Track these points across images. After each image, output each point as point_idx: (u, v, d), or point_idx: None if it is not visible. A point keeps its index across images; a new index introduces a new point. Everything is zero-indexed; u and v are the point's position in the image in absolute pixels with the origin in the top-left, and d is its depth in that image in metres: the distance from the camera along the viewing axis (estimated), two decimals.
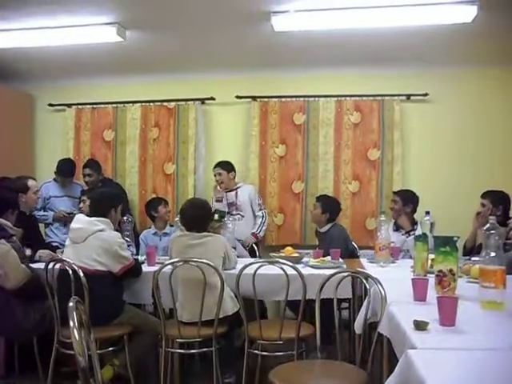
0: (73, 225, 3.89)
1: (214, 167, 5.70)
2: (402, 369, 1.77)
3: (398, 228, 4.98)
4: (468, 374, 1.63)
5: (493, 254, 2.41)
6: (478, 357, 1.75)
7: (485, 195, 4.39)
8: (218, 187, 5.66)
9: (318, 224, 5.30)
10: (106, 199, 4.11)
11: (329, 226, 5.17)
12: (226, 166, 5.65)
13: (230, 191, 5.63)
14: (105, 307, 3.60)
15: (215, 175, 5.66)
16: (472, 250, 4.25)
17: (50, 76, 6.36)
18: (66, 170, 5.72)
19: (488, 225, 2.54)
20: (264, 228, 5.65)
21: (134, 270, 3.93)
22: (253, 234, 5.53)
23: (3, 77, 6.09)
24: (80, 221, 3.89)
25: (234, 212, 5.47)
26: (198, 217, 3.87)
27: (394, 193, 5.22)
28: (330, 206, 5.21)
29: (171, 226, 5.37)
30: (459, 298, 2.18)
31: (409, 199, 4.98)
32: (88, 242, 3.75)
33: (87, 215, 3.99)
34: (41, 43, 5.03)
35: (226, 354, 3.81)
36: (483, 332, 2.07)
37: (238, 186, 5.69)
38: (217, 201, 5.58)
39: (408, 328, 2.05)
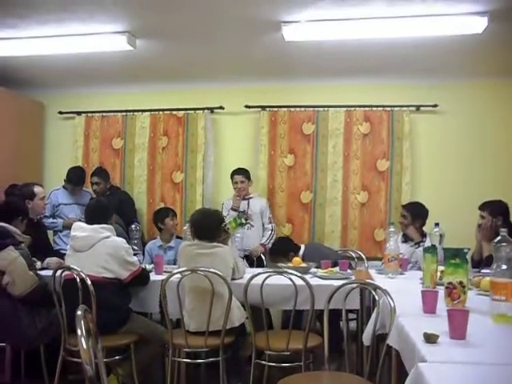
0: (76, 233, 3.83)
1: (236, 174, 5.67)
2: (413, 382, 1.75)
3: (406, 240, 4.95)
4: None
5: (504, 267, 2.39)
6: (489, 371, 1.73)
7: (483, 207, 4.35)
8: (237, 196, 5.63)
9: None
10: (104, 207, 4.13)
11: (301, 253, 5.13)
12: (247, 174, 5.68)
13: (242, 200, 5.63)
14: (111, 315, 3.60)
15: (236, 182, 5.64)
16: (480, 262, 4.22)
17: (60, 84, 6.39)
18: (76, 178, 5.71)
19: (499, 237, 2.52)
20: (272, 241, 5.64)
21: (141, 277, 3.92)
22: (262, 244, 5.54)
23: (14, 84, 6.12)
24: (84, 229, 3.85)
25: None
26: (210, 226, 3.86)
27: (403, 206, 5.16)
28: (283, 248, 5.21)
29: (178, 237, 5.31)
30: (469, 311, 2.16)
31: (418, 214, 4.93)
32: (94, 250, 3.74)
33: (87, 223, 3.95)
34: (51, 51, 5.04)
35: (232, 363, 3.79)
36: (494, 346, 2.05)
37: (250, 196, 5.71)
38: (233, 209, 5.56)
39: (418, 340, 2.02)
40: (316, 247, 5.36)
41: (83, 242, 3.78)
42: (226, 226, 4.15)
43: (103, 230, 3.82)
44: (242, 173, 5.67)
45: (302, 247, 5.22)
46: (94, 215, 3.96)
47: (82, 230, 3.85)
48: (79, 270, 3.52)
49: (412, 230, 4.90)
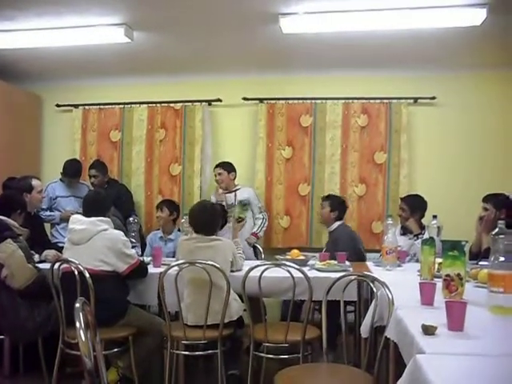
0: (74, 226, 3.81)
1: (215, 167, 5.74)
2: (411, 373, 1.75)
3: (404, 232, 4.96)
4: (478, 379, 1.62)
5: (501, 259, 2.39)
6: (488, 362, 1.73)
7: (487, 199, 4.35)
8: (219, 189, 5.67)
9: (326, 223, 5.32)
10: (102, 199, 4.12)
11: (336, 224, 5.19)
12: (227, 167, 5.68)
13: (228, 193, 5.63)
14: (109, 308, 3.60)
15: (215, 175, 5.70)
16: (478, 254, 4.22)
17: (57, 76, 6.38)
18: (72, 170, 5.70)
19: (497, 229, 2.52)
20: (264, 229, 5.68)
21: (140, 269, 3.91)
22: (253, 233, 5.55)
23: (11, 77, 6.11)
24: (81, 221, 3.83)
25: None
26: (209, 220, 3.84)
27: (402, 199, 5.15)
28: (337, 204, 5.24)
29: (179, 230, 5.29)
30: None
31: (416, 207, 4.92)
32: (92, 243, 3.72)
33: (84, 215, 3.92)
34: (49, 43, 5.04)
35: (230, 355, 3.80)
36: (492, 337, 2.06)
37: (237, 187, 5.70)
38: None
39: (416, 332, 2.03)
40: (351, 236, 5.25)
41: (81, 234, 3.77)
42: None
43: (101, 223, 3.81)
44: (219, 165, 5.72)
45: (336, 225, 5.20)
46: (91, 207, 3.94)
47: (79, 222, 3.83)
48: (77, 262, 3.51)
49: (412, 221, 4.90)
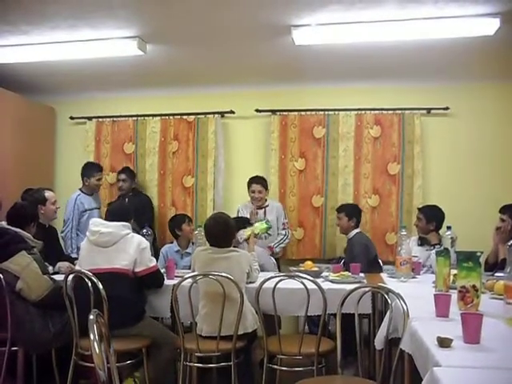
0: (100, 228, 3.83)
1: (254, 183, 5.60)
2: None
3: (422, 243, 4.92)
4: None
5: None
6: (505, 376, 1.71)
7: (504, 210, 4.32)
8: (252, 206, 5.57)
9: (346, 232, 5.34)
10: (126, 210, 4.24)
11: (354, 232, 5.25)
12: (265, 183, 5.63)
13: (259, 208, 5.57)
14: (126, 310, 3.61)
15: (253, 191, 5.57)
16: (494, 265, 4.18)
17: (71, 89, 6.42)
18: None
19: None
20: (282, 246, 5.65)
21: (156, 276, 3.92)
22: (269, 247, 5.49)
23: (26, 90, 6.16)
24: (106, 225, 3.87)
25: None
26: (223, 233, 3.82)
27: (419, 209, 5.13)
28: (352, 210, 5.34)
29: (194, 243, 5.29)
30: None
31: (432, 217, 4.89)
32: (117, 246, 3.76)
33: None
34: (63, 57, 5.07)
35: (243, 367, 3.77)
36: (509, 350, 2.02)
37: (266, 204, 5.65)
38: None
39: (431, 345, 2.01)
40: (363, 241, 5.27)
41: (108, 237, 3.78)
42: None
43: (125, 228, 3.86)
44: (260, 182, 5.59)
45: (353, 233, 5.25)
46: (116, 217, 3.97)
47: (104, 226, 3.86)
48: (90, 274, 3.50)
49: (432, 234, 4.85)
